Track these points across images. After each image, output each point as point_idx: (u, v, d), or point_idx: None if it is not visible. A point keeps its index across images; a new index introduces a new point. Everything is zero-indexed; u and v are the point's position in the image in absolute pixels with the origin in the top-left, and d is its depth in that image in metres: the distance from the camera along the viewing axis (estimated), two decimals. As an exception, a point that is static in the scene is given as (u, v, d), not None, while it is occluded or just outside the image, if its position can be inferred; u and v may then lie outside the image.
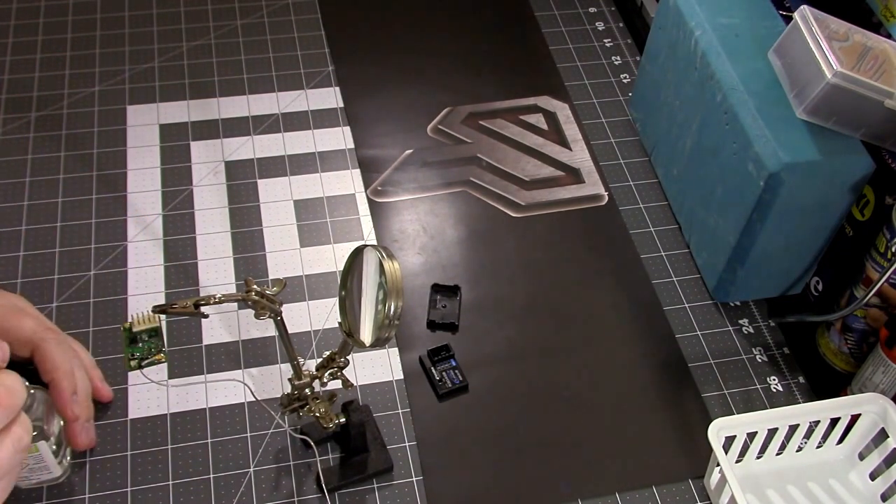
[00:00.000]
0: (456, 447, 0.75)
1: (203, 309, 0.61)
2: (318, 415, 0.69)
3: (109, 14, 1.06)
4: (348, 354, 0.67)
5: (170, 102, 0.98)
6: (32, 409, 0.63)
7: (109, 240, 0.85)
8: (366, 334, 0.62)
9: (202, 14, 1.07)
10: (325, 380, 0.68)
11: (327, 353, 0.68)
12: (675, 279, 0.87)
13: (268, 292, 0.61)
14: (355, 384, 0.77)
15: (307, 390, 0.68)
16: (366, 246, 0.61)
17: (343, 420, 0.69)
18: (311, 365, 0.77)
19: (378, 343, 0.60)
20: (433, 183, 0.93)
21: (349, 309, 0.63)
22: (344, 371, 0.68)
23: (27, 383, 0.62)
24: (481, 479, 0.73)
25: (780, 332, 0.84)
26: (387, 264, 0.58)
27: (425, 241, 0.88)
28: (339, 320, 0.65)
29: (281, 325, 0.63)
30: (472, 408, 0.77)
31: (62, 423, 0.67)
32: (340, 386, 0.68)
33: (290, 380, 0.68)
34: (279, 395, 0.75)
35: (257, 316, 0.61)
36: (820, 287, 0.82)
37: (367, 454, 0.72)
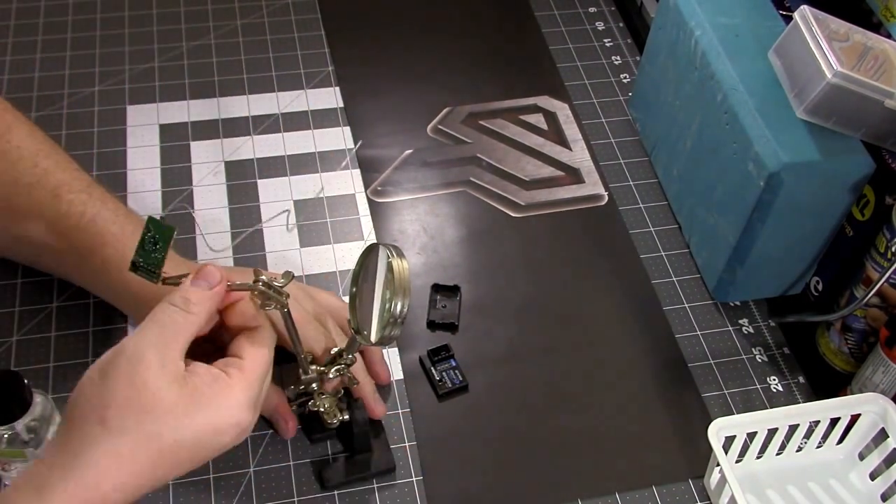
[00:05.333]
0: (456, 447, 0.75)
1: None
2: (322, 410, 0.68)
3: (109, 14, 1.06)
4: (355, 352, 0.67)
5: (170, 102, 0.98)
6: (30, 412, 0.63)
7: (109, 240, 0.85)
8: (373, 332, 0.62)
9: (202, 14, 1.07)
10: (331, 376, 0.68)
11: (334, 349, 0.68)
12: (674, 279, 0.87)
13: (275, 283, 0.61)
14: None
15: (313, 385, 0.68)
16: (378, 244, 0.61)
17: (347, 416, 0.69)
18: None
19: (383, 341, 0.60)
20: (433, 183, 0.93)
21: (359, 307, 0.64)
22: (351, 368, 0.68)
23: (27, 381, 0.63)
24: (481, 479, 0.73)
25: (780, 332, 0.84)
26: (395, 263, 0.59)
27: (425, 241, 0.88)
28: (349, 317, 0.65)
29: (288, 318, 0.62)
30: (472, 408, 0.77)
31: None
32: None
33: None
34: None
35: (263, 307, 0.61)
36: (820, 287, 0.82)
37: (370, 454, 0.72)
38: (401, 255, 0.59)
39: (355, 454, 0.72)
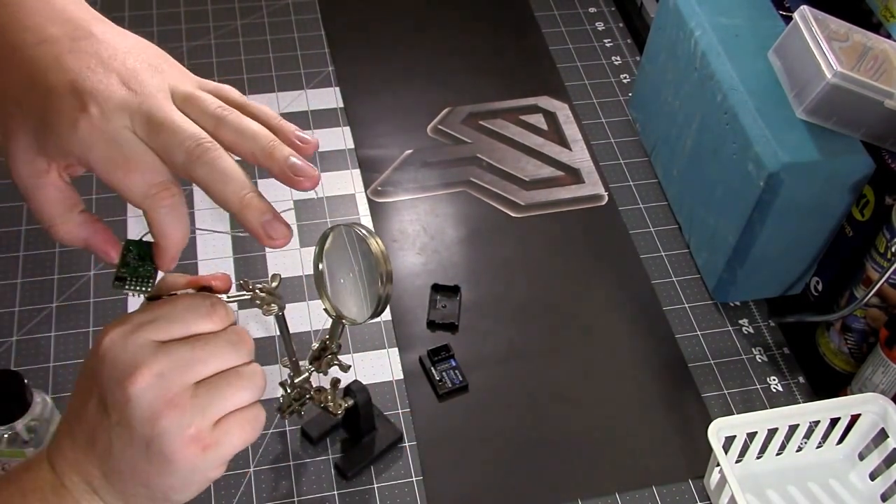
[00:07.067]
0: (456, 447, 0.75)
1: None
2: (326, 405, 0.69)
3: (109, 14, 1.04)
4: (340, 338, 0.67)
5: (170, 102, 0.97)
6: (30, 412, 0.63)
7: (109, 240, 0.85)
8: (360, 314, 0.62)
9: (202, 14, 1.07)
10: (323, 369, 0.68)
11: (316, 344, 0.68)
12: (675, 279, 0.87)
13: (269, 286, 0.61)
14: (357, 378, 0.77)
15: (306, 385, 0.68)
16: (340, 225, 0.61)
17: (351, 403, 0.70)
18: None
19: (375, 313, 0.61)
20: (433, 183, 0.93)
21: (332, 292, 0.64)
22: (338, 355, 0.68)
23: (27, 381, 0.63)
24: (481, 479, 0.73)
25: (780, 332, 0.84)
26: (373, 243, 0.59)
27: (425, 241, 0.88)
28: (325, 306, 0.65)
29: (282, 321, 0.63)
30: (472, 408, 0.77)
31: None
32: (337, 372, 0.69)
33: (281, 384, 0.68)
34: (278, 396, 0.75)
35: (266, 313, 0.61)
36: (820, 287, 0.82)
37: (375, 431, 0.73)
38: (372, 233, 0.60)
39: (363, 437, 0.73)
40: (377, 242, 0.60)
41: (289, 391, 0.68)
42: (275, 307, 0.61)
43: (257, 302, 0.60)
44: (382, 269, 0.59)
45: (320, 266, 0.64)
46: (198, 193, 0.89)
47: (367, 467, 0.73)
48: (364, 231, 0.60)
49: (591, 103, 1.02)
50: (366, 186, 0.92)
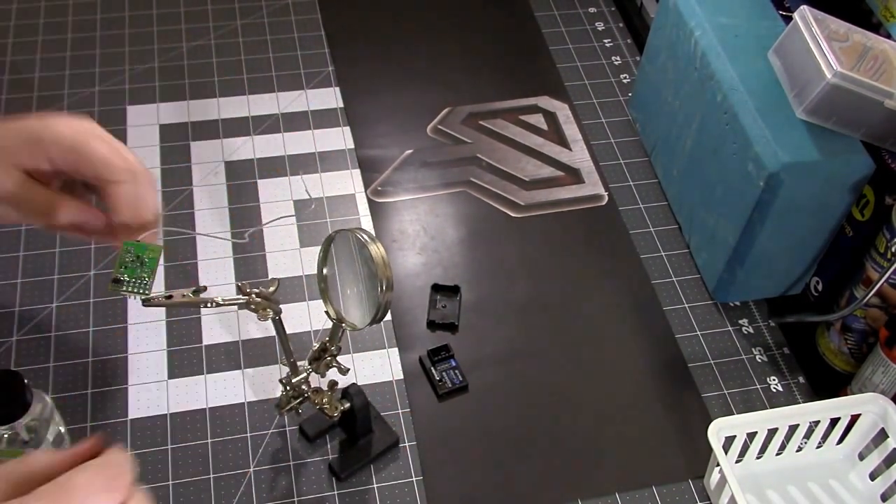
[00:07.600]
0: (456, 447, 0.75)
1: (202, 311, 0.61)
2: (322, 406, 0.69)
3: (109, 14, 1.06)
4: (340, 340, 0.67)
5: (170, 102, 0.98)
6: (30, 412, 0.63)
7: (109, 240, 0.85)
8: (360, 319, 0.62)
9: (202, 14, 1.07)
10: (321, 371, 0.68)
11: (317, 344, 0.68)
12: (674, 279, 0.87)
13: (265, 291, 0.61)
14: (355, 381, 0.77)
15: (303, 385, 0.68)
16: (343, 230, 0.62)
17: (347, 405, 0.70)
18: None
19: (375, 319, 0.61)
20: (433, 183, 0.93)
21: (334, 295, 0.64)
22: (337, 357, 0.68)
23: (27, 381, 0.63)
24: (481, 479, 0.73)
25: (780, 332, 0.84)
26: (373, 249, 0.59)
27: (425, 241, 0.88)
28: (325, 309, 0.65)
29: (279, 325, 0.63)
30: (472, 408, 0.77)
31: (61, 429, 0.67)
32: (335, 374, 0.69)
33: (281, 380, 0.68)
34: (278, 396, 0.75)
35: (261, 318, 0.61)
36: (820, 287, 0.82)
37: (372, 434, 0.73)
38: (374, 239, 0.59)
39: (359, 439, 0.73)
40: (378, 248, 0.60)
41: (287, 389, 0.68)
42: (270, 312, 0.61)
43: (252, 307, 0.60)
44: (382, 276, 0.59)
45: (325, 271, 0.64)
46: (198, 193, 0.90)
47: (361, 470, 0.72)
48: (365, 236, 0.60)
49: (591, 103, 1.02)
50: (366, 186, 0.92)
